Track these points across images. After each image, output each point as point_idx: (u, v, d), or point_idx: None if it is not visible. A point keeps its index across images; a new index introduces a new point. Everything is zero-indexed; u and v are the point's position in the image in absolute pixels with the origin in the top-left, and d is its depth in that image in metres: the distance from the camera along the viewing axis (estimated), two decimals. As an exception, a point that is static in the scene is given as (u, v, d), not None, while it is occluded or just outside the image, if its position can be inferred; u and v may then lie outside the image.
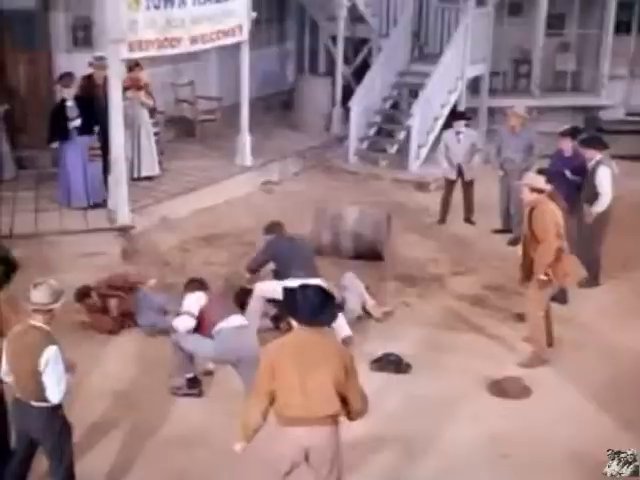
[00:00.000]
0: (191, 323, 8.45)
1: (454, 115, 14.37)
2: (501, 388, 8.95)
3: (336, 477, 6.32)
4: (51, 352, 6.31)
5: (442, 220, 14.03)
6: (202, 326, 8.46)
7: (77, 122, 12.69)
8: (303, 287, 6.29)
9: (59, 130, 12.72)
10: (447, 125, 17.00)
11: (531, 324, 9.50)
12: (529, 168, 12.60)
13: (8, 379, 6.63)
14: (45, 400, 6.40)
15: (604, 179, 11.03)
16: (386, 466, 7.73)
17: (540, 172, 9.77)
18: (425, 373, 9.25)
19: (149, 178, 14.24)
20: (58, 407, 6.53)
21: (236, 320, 8.55)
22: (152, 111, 14.35)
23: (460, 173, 13.72)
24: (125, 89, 13.62)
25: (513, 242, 12.68)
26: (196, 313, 8.46)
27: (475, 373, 9.23)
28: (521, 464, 7.73)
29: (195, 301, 8.53)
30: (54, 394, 6.37)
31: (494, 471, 7.67)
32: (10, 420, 6.95)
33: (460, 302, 11.12)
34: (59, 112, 12.72)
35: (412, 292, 11.37)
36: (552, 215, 9.10)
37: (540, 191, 9.19)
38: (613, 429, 8.09)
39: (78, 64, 13.93)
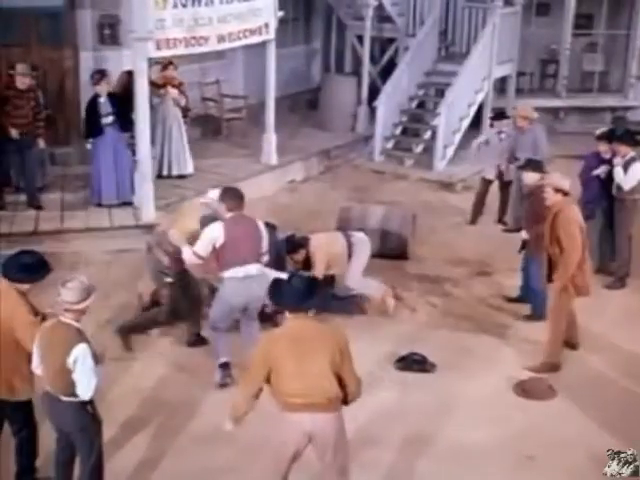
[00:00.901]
0: (195, 260, 8.72)
1: (495, 115, 14.23)
2: (525, 389, 8.90)
3: (341, 464, 6.39)
4: (80, 350, 6.31)
5: (473, 221, 13.94)
6: (216, 261, 8.71)
7: (109, 119, 12.69)
8: (289, 276, 6.56)
9: (92, 127, 12.73)
10: (474, 124, 17.13)
11: (550, 329, 9.36)
12: None
13: (38, 371, 6.65)
14: (74, 395, 6.41)
15: (634, 176, 11.05)
16: (409, 465, 7.71)
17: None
18: (450, 373, 9.22)
19: (182, 177, 14.24)
20: (87, 402, 6.54)
21: (242, 271, 8.59)
22: (185, 110, 14.36)
23: (500, 174, 13.59)
24: (159, 87, 13.66)
25: (508, 230, 12.88)
26: (204, 254, 8.63)
27: (500, 373, 9.20)
28: (545, 466, 7.69)
29: (208, 241, 8.59)
30: (84, 391, 6.39)
31: (519, 472, 7.64)
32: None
33: (486, 303, 11.07)
34: (91, 109, 12.73)
35: (437, 292, 11.33)
36: (578, 223, 9.00)
37: (565, 193, 9.09)
38: (637, 431, 8.03)
39: (105, 62, 14.02)
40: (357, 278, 10.42)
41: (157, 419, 8.38)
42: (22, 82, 12.39)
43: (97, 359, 6.50)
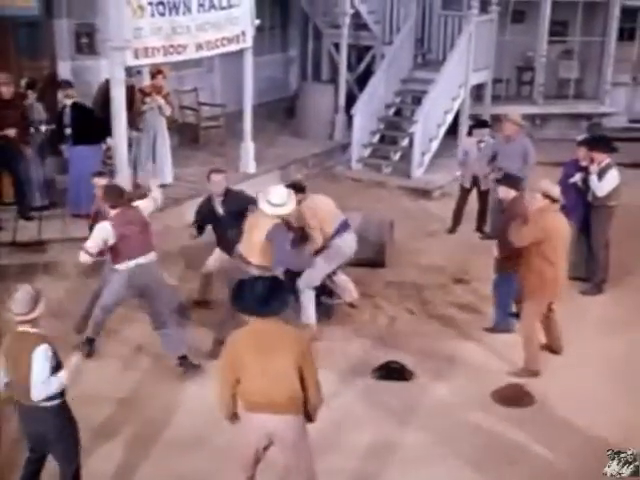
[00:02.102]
0: (86, 258, 8.98)
1: (476, 124, 14.22)
2: (504, 395, 8.95)
3: (305, 469, 6.44)
4: (38, 351, 6.33)
5: (453, 229, 13.93)
6: (113, 255, 9.10)
7: (68, 130, 12.76)
8: (252, 279, 6.55)
9: (59, 137, 12.87)
10: (451, 131, 17.18)
11: (523, 335, 9.44)
12: (525, 177, 12.71)
13: (4, 382, 6.64)
14: (49, 399, 6.42)
15: (609, 183, 11.14)
16: (390, 474, 7.73)
17: None
18: (428, 381, 9.26)
19: (162, 186, 14.19)
20: (61, 405, 6.56)
21: (134, 262, 9.00)
22: (170, 120, 14.36)
23: (476, 182, 13.57)
24: (145, 95, 13.67)
25: (486, 237, 12.93)
26: (94, 251, 8.92)
27: (478, 381, 9.24)
28: (525, 471, 7.74)
29: (100, 240, 8.91)
30: (36, 391, 6.36)
31: (502, 478, 7.67)
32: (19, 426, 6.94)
33: (464, 310, 11.12)
34: (59, 119, 12.86)
35: (415, 299, 11.36)
36: (563, 232, 9.13)
37: (554, 200, 9.14)
38: (617, 436, 8.08)
39: (83, 71, 13.99)
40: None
41: (131, 426, 8.39)
42: (6, 91, 12.30)
43: (60, 363, 6.50)
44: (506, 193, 10.05)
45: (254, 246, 8.96)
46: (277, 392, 6.12)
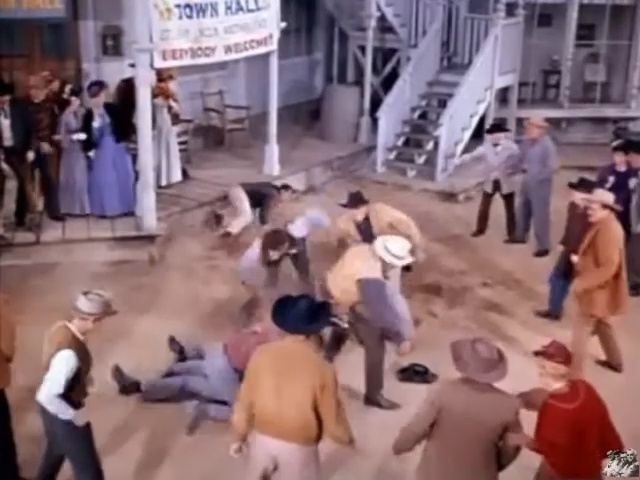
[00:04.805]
0: None
1: (490, 128, 14.10)
2: (528, 400, 8.86)
3: None
4: (63, 353, 6.29)
5: (478, 233, 13.81)
6: None
7: (102, 132, 12.63)
8: (297, 296, 6.31)
9: (89, 140, 12.59)
10: (476, 135, 17.12)
11: (572, 342, 9.23)
12: (545, 180, 12.62)
13: None
14: (62, 396, 6.38)
15: None
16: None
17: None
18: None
19: (170, 186, 14.32)
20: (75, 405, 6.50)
21: None
22: (175, 118, 14.42)
23: (497, 187, 13.45)
24: (154, 96, 13.69)
25: (539, 254, 12.67)
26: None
27: (503, 385, 9.14)
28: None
29: None
30: (41, 391, 6.34)
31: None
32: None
33: (488, 313, 11.07)
34: (88, 123, 12.57)
35: (439, 302, 11.34)
36: (618, 239, 8.88)
37: (611, 208, 8.94)
38: None
39: (106, 72, 14.03)
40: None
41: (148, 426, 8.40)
42: (37, 94, 12.21)
43: (81, 370, 6.45)
44: (583, 197, 9.74)
45: (343, 280, 8.70)
46: (288, 418, 5.92)
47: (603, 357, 9.69)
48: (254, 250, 10.24)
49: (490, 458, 5.93)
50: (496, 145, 13.31)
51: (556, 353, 5.95)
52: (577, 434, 5.81)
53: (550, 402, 5.91)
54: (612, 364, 9.62)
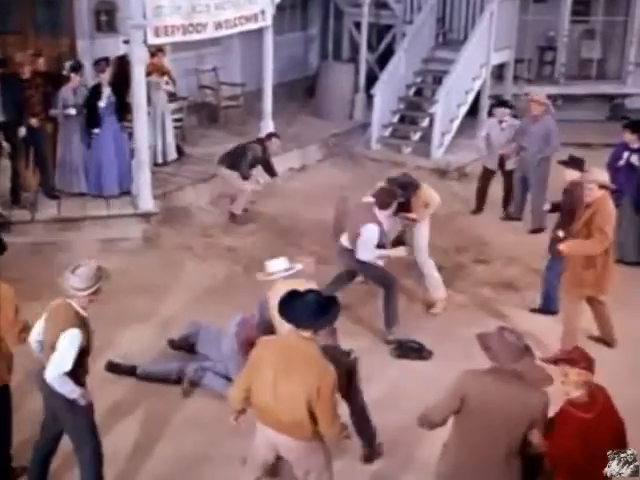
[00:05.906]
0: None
1: (496, 103, 14.05)
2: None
3: None
4: (68, 332, 6.26)
5: (477, 210, 13.84)
6: None
7: (110, 108, 12.57)
8: (306, 291, 6.22)
9: (95, 117, 12.49)
10: (472, 112, 17.09)
11: (563, 320, 9.31)
12: (545, 158, 12.58)
13: (34, 345, 6.65)
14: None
15: None
16: (407, 452, 7.72)
17: None
18: (447, 360, 9.18)
19: (166, 163, 14.31)
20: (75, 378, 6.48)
21: None
22: (172, 96, 14.36)
23: (501, 163, 13.43)
24: (147, 74, 13.62)
25: (535, 231, 12.66)
26: None
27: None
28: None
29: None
30: (50, 371, 6.32)
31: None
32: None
33: (483, 290, 11.09)
34: (95, 99, 12.46)
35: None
36: (613, 217, 8.92)
37: (606, 187, 8.93)
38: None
39: (101, 49, 13.95)
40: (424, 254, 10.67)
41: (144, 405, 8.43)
42: (25, 70, 12.04)
43: (87, 348, 6.45)
44: (572, 175, 9.80)
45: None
46: (282, 412, 5.92)
47: (596, 333, 9.72)
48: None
49: (513, 455, 5.74)
50: (501, 122, 13.28)
51: (580, 359, 5.69)
52: (591, 447, 5.60)
53: (569, 409, 5.73)
54: (605, 340, 9.66)
